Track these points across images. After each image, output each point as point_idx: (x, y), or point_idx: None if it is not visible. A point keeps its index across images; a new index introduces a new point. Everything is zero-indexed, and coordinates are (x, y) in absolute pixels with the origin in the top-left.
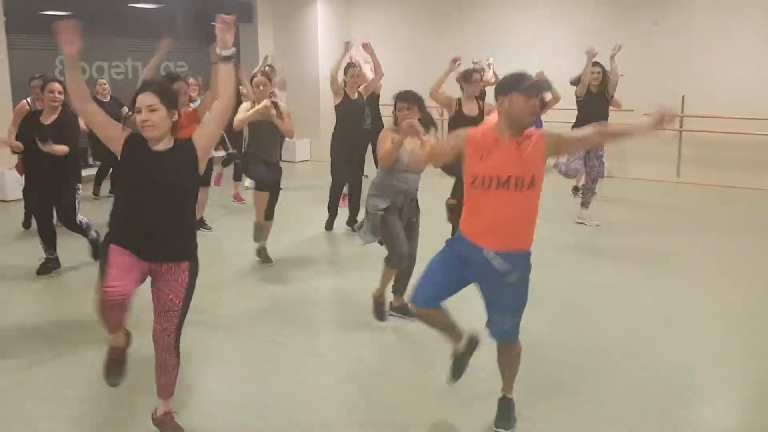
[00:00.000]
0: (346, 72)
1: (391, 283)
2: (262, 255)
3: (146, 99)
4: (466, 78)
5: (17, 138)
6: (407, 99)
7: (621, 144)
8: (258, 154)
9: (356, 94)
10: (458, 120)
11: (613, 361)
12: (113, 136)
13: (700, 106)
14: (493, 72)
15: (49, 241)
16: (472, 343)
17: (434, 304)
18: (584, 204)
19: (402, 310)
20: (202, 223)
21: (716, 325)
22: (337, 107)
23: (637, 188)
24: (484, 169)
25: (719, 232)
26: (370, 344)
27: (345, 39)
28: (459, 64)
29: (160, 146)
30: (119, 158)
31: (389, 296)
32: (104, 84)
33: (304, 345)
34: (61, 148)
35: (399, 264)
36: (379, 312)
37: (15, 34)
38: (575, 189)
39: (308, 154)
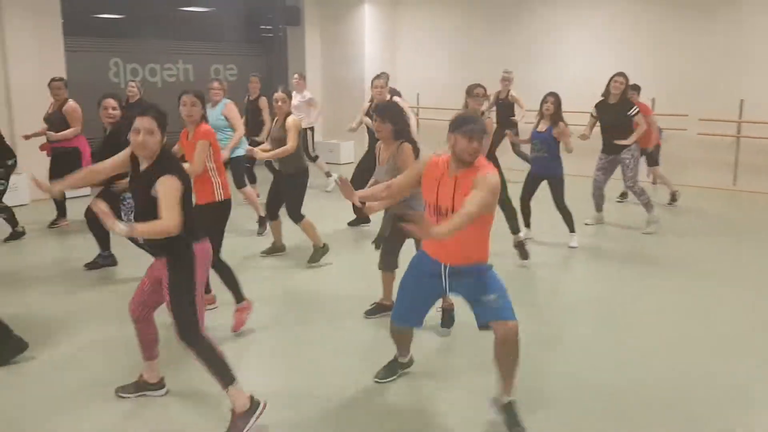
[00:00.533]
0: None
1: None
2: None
3: (145, 122)
4: (469, 92)
5: None
6: (380, 112)
7: (673, 151)
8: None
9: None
10: None
11: (657, 372)
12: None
13: (759, 112)
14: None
15: (100, 239)
16: (409, 362)
17: (409, 323)
18: (648, 208)
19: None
20: (262, 222)
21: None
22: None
23: (692, 195)
24: (429, 198)
25: None
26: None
27: (392, 42)
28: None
29: (144, 164)
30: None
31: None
32: (133, 87)
33: (333, 341)
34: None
35: (386, 267)
36: (375, 310)
37: (71, 37)
38: (622, 195)
39: (353, 157)
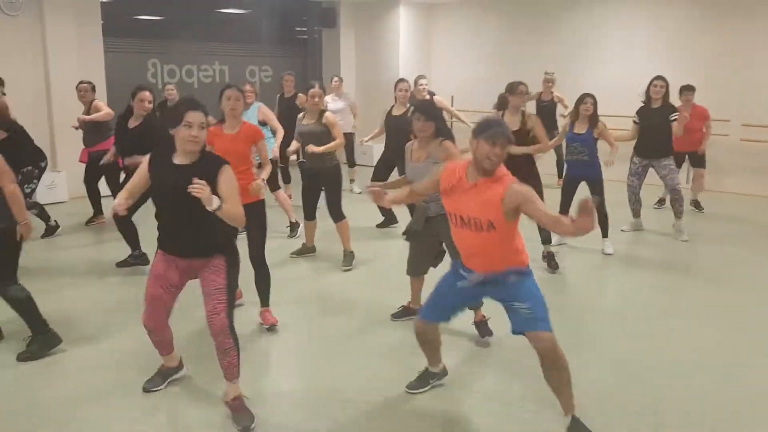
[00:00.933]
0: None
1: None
2: (346, 259)
3: (199, 117)
4: (511, 90)
5: None
6: (423, 111)
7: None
8: (311, 164)
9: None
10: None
11: (696, 383)
12: (142, 180)
13: None
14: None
15: (130, 240)
16: (442, 373)
17: (433, 319)
18: (675, 215)
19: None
20: (294, 228)
21: None
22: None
23: (733, 202)
24: (449, 205)
25: None
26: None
27: (427, 44)
28: None
29: (186, 160)
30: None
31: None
32: (171, 90)
33: (372, 340)
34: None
35: (414, 273)
36: (401, 314)
37: (110, 38)
38: (660, 201)
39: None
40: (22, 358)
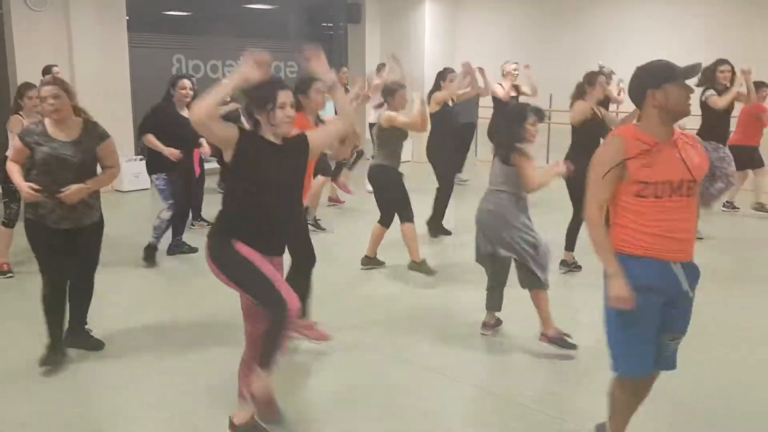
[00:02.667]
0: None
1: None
2: (416, 266)
3: (290, 96)
4: (590, 81)
5: None
6: (538, 114)
7: None
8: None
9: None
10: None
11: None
12: (229, 136)
13: None
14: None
15: (178, 229)
16: None
17: (652, 367)
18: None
19: (558, 341)
20: (316, 224)
21: None
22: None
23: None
24: (653, 177)
25: None
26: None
27: (452, 39)
28: None
29: (277, 139)
30: (234, 157)
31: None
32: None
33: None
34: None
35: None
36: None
37: (136, 33)
38: (728, 204)
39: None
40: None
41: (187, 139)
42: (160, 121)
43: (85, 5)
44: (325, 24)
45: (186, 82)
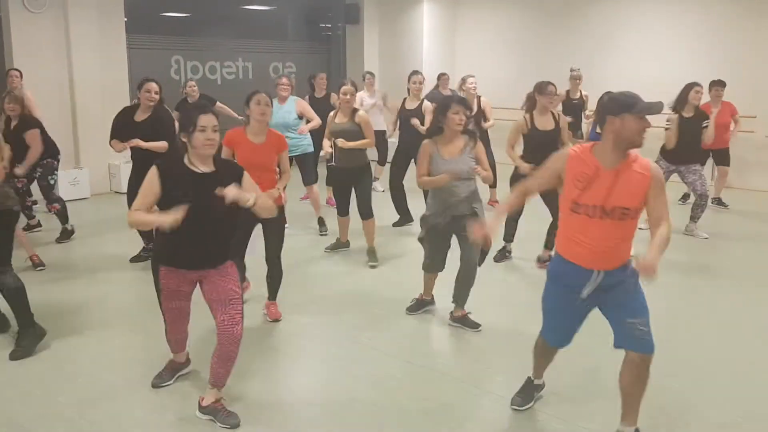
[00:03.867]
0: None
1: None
2: (371, 256)
3: (212, 120)
4: (540, 90)
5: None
6: (464, 105)
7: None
8: (341, 163)
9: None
10: (533, 136)
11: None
12: (156, 196)
13: None
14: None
15: (144, 234)
16: (542, 386)
17: (567, 344)
18: (692, 218)
19: (461, 321)
20: (321, 224)
21: None
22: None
23: (755, 199)
24: (585, 199)
25: None
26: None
27: (451, 40)
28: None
29: (202, 167)
30: (161, 190)
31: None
32: (193, 86)
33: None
34: (152, 145)
35: (430, 269)
36: (416, 306)
37: (134, 34)
38: (684, 197)
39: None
40: (16, 356)
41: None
42: (115, 125)
43: (84, 7)
44: (324, 25)
45: (152, 86)
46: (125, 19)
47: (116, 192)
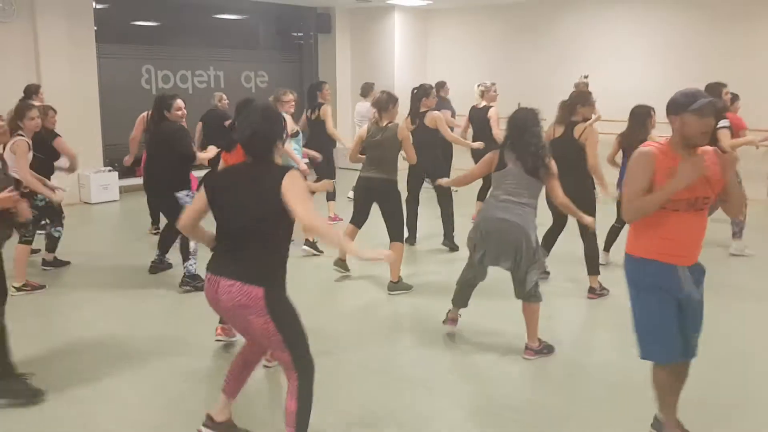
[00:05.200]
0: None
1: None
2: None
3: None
4: (583, 101)
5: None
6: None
7: None
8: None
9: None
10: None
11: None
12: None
13: None
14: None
15: (161, 244)
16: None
17: (681, 356)
18: (735, 235)
19: (454, 322)
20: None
21: None
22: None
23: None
24: (677, 194)
25: None
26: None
27: (422, 50)
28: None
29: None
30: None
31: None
32: (223, 97)
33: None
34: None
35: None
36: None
37: (104, 44)
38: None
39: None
40: None
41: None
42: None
43: (53, 16)
44: (296, 34)
45: (181, 103)
46: (95, 28)
47: (85, 203)
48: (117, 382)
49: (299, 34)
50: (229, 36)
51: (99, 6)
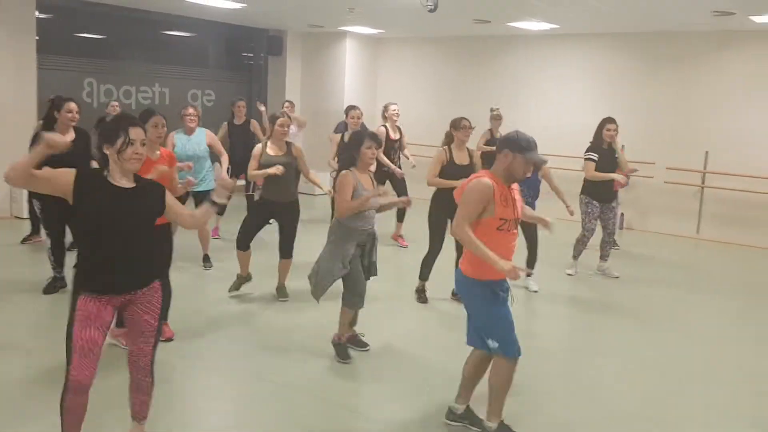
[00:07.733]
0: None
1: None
2: (281, 292)
3: (141, 133)
4: (455, 125)
5: None
6: (375, 140)
7: (641, 198)
8: (271, 196)
9: None
10: (450, 169)
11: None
12: (62, 185)
13: (723, 163)
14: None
15: (58, 260)
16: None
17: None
18: (603, 257)
19: (353, 341)
20: (206, 260)
21: (723, 389)
22: None
23: (655, 242)
24: (508, 214)
25: (732, 293)
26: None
27: (372, 77)
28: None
29: (124, 183)
30: (73, 199)
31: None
32: (116, 107)
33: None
34: None
35: (358, 305)
36: (342, 353)
37: (45, 55)
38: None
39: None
40: None
41: None
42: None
43: None
44: (246, 54)
45: (73, 105)
46: (37, 38)
47: (17, 217)
48: None
49: (250, 55)
50: (177, 53)
51: (42, 15)
